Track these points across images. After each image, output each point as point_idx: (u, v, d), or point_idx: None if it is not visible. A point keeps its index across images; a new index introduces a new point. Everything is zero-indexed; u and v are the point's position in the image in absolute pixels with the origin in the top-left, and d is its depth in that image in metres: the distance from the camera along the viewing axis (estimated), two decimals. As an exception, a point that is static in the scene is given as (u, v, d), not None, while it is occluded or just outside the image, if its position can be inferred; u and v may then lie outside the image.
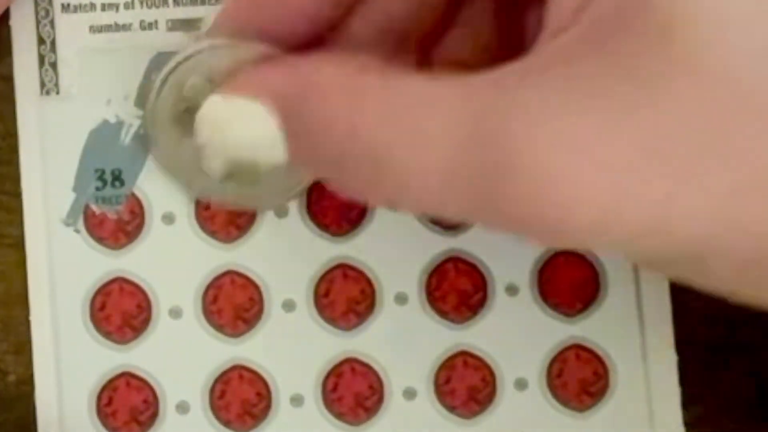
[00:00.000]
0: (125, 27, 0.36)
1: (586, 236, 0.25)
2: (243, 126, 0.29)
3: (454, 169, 0.26)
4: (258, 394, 0.35)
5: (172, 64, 0.32)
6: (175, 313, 0.35)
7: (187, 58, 0.32)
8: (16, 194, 0.35)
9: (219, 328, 0.35)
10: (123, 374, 0.35)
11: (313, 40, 0.31)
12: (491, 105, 0.25)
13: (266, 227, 0.35)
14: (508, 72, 0.26)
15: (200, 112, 0.30)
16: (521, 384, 0.36)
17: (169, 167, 0.35)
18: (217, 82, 0.31)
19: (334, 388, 0.36)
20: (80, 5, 0.35)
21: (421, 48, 0.32)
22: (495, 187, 0.25)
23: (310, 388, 0.35)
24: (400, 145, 0.26)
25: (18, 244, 0.35)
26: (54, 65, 0.35)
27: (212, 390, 0.35)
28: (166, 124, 0.33)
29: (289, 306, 0.35)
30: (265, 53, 0.30)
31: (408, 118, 0.26)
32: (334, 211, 0.36)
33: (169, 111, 0.33)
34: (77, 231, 0.35)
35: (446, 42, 0.32)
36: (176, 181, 0.35)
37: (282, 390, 0.35)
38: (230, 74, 0.30)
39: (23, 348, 0.35)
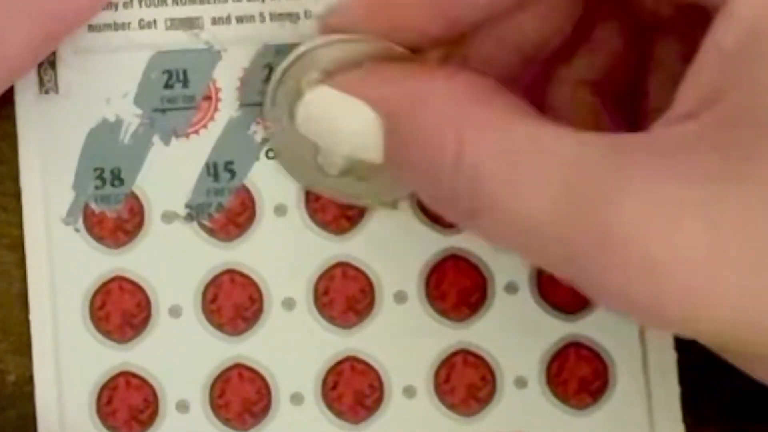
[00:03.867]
0: (124, 26, 0.36)
1: (678, 325, 0.26)
2: (346, 120, 0.30)
3: (549, 220, 0.26)
4: (258, 392, 0.35)
5: (291, 58, 0.33)
6: (175, 311, 0.35)
7: (305, 53, 0.33)
8: (16, 194, 0.35)
9: (219, 326, 0.36)
10: (123, 373, 0.35)
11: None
12: (602, 173, 0.26)
13: (266, 226, 0.35)
14: (625, 144, 0.26)
15: (306, 98, 0.31)
16: (521, 382, 0.36)
17: (286, 161, 0.35)
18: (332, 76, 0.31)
19: (334, 387, 0.36)
20: (79, 4, 0.35)
21: (543, 67, 0.33)
22: (589, 252, 0.26)
23: (310, 386, 0.35)
24: (502, 183, 0.27)
25: (17, 244, 0.35)
26: (53, 64, 0.35)
27: (212, 389, 0.35)
28: (283, 117, 0.33)
29: (288, 304, 0.35)
30: (387, 51, 0.31)
31: (517, 157, 0.27)
32: (334, 210, 0.36)
33: (286, 105, 0.33)
34: (77, 230, 0.35)
35: (571, 62, 0.33)
36: (292, 174, 0.35)
37: (282, 388, 0.35)
38: (345, 68, 0.31)
39: (23, 348, 0.35)
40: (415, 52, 0.31)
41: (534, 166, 0.27)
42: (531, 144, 0.27)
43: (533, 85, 0.33)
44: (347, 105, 0.30)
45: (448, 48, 0.32)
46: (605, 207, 0.25)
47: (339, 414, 0.36)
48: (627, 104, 0.33)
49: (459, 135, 0.28)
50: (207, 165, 0.36)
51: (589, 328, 0.36)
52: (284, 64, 0.33)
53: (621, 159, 0.26)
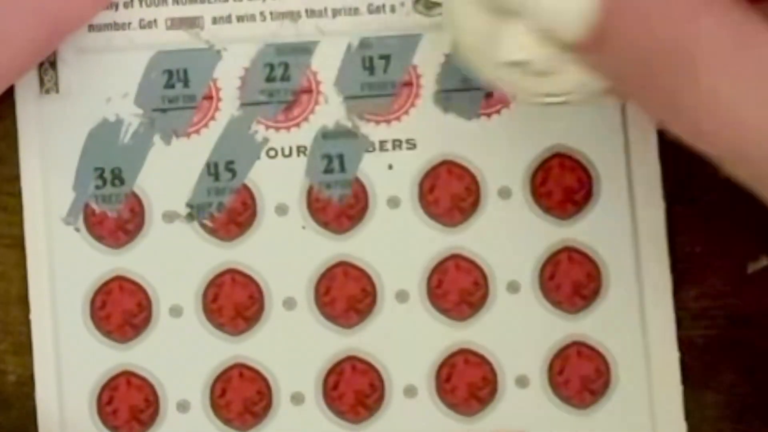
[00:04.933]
0: (125, 26, 0.36)
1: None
2: None
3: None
4: (258, 392, 0.35)
5: None
6: (176, 311, 0.35)
7: None
8: (16, 194, 0.35)
9: (219, 326, 0.35)
10: (123, 373, 0.35)
11: None
12: None
13: (266, 225, 0.35)
14: None
15: None
16: (523, 382, 0.35)
17: (468, 49, 0.30)
18: None
19: (335, 386, 0.35)
20: (79, 4, 0.35)
21: None
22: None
23: (311, 386, 0.35)
24: (731, 83, 0.26)
25: (18, 244, 0.35)
26: (53, 64, 0.35)
27: (213, 388, 0.35)
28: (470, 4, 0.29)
29: (289, 304, 0.35)
30: None
31: (755, 69, 0.26)
32: (334, 209, 0.36)
33: None
34: (77, 230, 0.35)
35: None
36: (473, 63, 0.30)
37: (282, 388, 0.35)
38: None
39: (23, 348, 0.35)
40: None
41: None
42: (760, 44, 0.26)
43: None
44: None
45: None
46: None
47: (340, 413, 0.36)
48: None
49: (695, 17, 0.26)
50: (208, 164, 0.36)
51: (591, 327, 0.35)
52: None
53: None
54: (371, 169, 0.36)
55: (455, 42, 0.30)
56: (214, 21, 0.36)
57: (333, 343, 0.35)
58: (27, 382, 0.35)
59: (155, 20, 0.36)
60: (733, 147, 0.26)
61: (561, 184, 0.36)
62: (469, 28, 0.29)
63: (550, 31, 0.27)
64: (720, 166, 0.27)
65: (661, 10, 0.27)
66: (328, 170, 0.36)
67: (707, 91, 0.26)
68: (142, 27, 0.36)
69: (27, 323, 0.35)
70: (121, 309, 0.35)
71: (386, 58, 0.36)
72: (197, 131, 0.36)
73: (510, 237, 0.36)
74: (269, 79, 0.36)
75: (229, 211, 0.36)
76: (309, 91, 0.36)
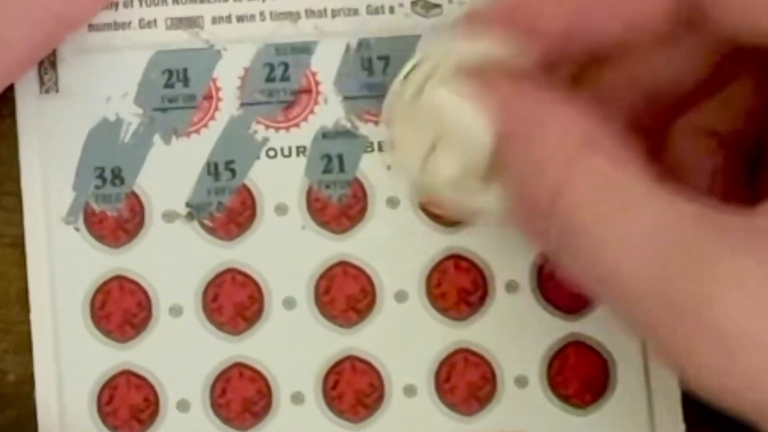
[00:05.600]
0: (124, 25, 0.36)
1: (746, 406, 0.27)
2: (463, 121, 0.30)
3: (633, 281, 0.27)
4: (258, 391, 0.35)
5: (416, 58, 0.32)
6: (176, 311, 0.35)
7: (430, 54, 0.32)
8: (16, 193, 0.35)
9: (219, 326, 0.36)
10: (123, 372, 0.35)
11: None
12: (698, 247, 0.26)
13: (266, 225, 0.36)
14: (732, 226, 0.26)
15: (428, 93, 0.30)
16: (522, 381, 0.36)
17: (401, 162, 0.33)
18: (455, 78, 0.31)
19: (335, 386, 0.36)
20: (80, 4, 0.35)
21: (668, 111, 0.32)
22: (670, 320, 0.26)
23: (311, 385, 0.35)
24: (594, 229, 0.27)
25: (18, 244, 0.35)
26: (53, 64, 0.35)
27: (213, 388, 0.35)
28: (405, 120, 0.32)
29: (289, 304, 0.35)
30: (517, 64, 0.30)
31: (613, 209, 0.27)
32: (334, 209, 0.36)
33: (408, 107, 0.32)
34: (77, 229, 0.35)
35: (698, 109, 0.33)
36: (404, 176, 0.33)
37: (282, 388, 0.35)
38: (471, 70, 0.30)
39: (23, 348, 0.35)
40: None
41: (628, 223, 0.27)
42: (630, 199, 0.27)
43: (651, 129, 0.33)
44: (466, 108, 0.30)
45: (577, 70, 0.32)
46: (695, 279, 0.26)
47: (339, 413, 0.36)
48: (747, 163, 0.33)
49: (569, 165, 0.28)
50: (208, 164, 0.36)
51: (589, 327, 0.36)
52: (413, 61, 0.32)
53: (719, 237, 0.26)
54: (370, 169, 0.36)
55: (397, 160, 0.34)
56: (214, 21, 0.36)
57: (332, 342, 0.35)
58: (27, 382, 0.35)
59: (155, 20, 0.36)
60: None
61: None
62: (409, 148, 0.32)
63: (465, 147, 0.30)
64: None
65: (538, 151, 0.28)
66: (327, 170, 0.36)
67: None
68: (142, 27, 0.36)
69: (27, 323, 0.35)
70: (121, 308, 0.35)
71: (385, 58, 0.36)
72: (197, 131, 0.36)
73: (508, 237, 0.36)
74: (269, 79, 0.36)
75: (229, 211, 0.36)
76: (308, 91, 0.36)
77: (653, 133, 0.32)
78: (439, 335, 0.36)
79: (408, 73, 0.32)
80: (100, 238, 0.35)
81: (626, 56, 0.31)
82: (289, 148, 0.36)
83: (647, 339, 0.28)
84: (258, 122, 0.36)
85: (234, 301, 0.36)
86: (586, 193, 0.27)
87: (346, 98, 0.36)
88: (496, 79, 0.30)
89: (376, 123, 0.36)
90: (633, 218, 0.27)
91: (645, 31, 0.30)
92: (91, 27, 0.35)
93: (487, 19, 0.31)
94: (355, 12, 0.36)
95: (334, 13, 0.36)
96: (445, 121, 0.30)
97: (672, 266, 0.26)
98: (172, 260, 0.35)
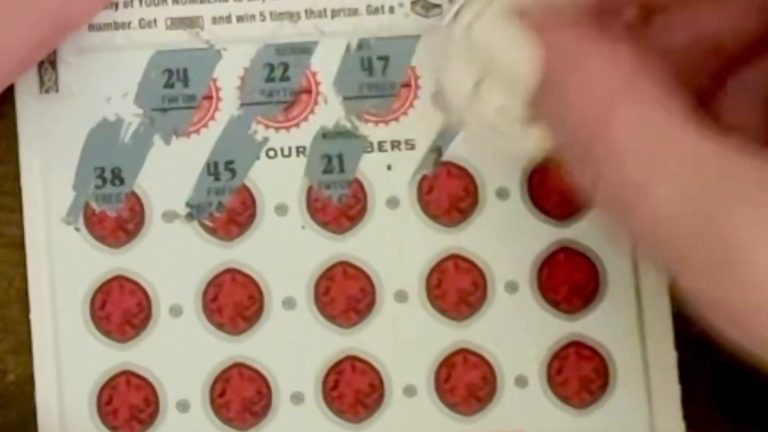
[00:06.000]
0: (124, 25, 0.36)
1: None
2: (510, 51, 0.30)
3: (669, 212, 0.26)
4: (258, 392, 0.35)
5: None
6: (176, 311, 0.35)
7: None
8: (16, 193, 0.35)
9: (219, 326, 0.36)
10: (123, 372, 0.35)
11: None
12: (738, 178, 0.26)
13: (266, 225, 0.36)
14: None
15: (481, 21, 0.31)
16: (521, 381, 0.36)
17: (449, 96, 0.33)
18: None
19: (335, 386, 0.36)
20: (80, 4, 0.35)
21: (723, 67, 0.32)
22: (702, 255, 0.26)
23: (311, 385, 0.35)
24: (637, 162, 0.27)
25: (18, 244, 0.35)
26: (53, 64, 0.35)
27: (213, 388, 0.35)
28: (454, 57, 0.32)
29: (289, 304, 0.35)
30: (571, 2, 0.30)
31: (658, 144, 0.27)
32: (334, 209, 0.36)
33: (458, 44, 0.32)
34: (77, 229, 0.35)
35: (751, 67, 0.32)
36: (450, 105, 0.33)
37: (282, 388, 0.35)
38: (521, 11, 0.31)
39: (23, 348, 0.35)
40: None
41: (669, 150, 0.27)
42: (672, 132, 0.27)
43: (703, 84, 0.33)
44: (514, 44, 0.30)
45: (634, 19, 0.32)
46: (732, 203, 0.26)
47: (339, 413, 0.36)
48: None
49: (607, 105, 0.28)
50: (208, 164, 0.36)
51: (589, 327, 0.36)
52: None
53: (758, 166, 0.26)
54: (370, 169, 0.36)
55: (445, 96, 0.33)
56: (214, 21, 0.36)
57: (333, 342, 0.35)
58: (27, 382, 0.35)
59: (155, 20, 0.36)
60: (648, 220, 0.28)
61: (559, 185, 0.36)
62: (458, 83, 0.32)
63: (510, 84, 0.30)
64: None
65: (579, 88, 0.29)
66: (327, 170, 0.36)
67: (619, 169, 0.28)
68: (142, 27, 0.36)
69: (27, 323, 0.35)
70: (121, 309, 0.35)
71: (385, 59, 0.36)
72: (197, 131, 0.36)
73: (508, 237, 0.36)
74: (269, 79, 0.36)
75: (229, 211, 0.36)
76: (308, 91, 0.36)
77: (704, 87, 0.32)
78: (439, 335, 0.36)
79: (457, 12, 0.32)
80: (100, 238, 0.36)
81: (684, 6, 0.31)
82: (289, 148, 0.36)
83: (673, 269, 0.27)
84: (258, 122, 0.36)
85: (234, 301, 0.36)
86: (628, 127, 0.27)
87: (346, 98, 0.36)
88: (545, 20, 0.30)
89: (376, 123, 0.36)
90: (674, 147, 0.27)
91: None
92: (91, 27, 0.35)
93: None
94: (355, 12, 0.36)
95: (334, 13, 0.36)
96: (493, 57, 0.30)
97: (709, 192, 0.26)
98: (172, 260, 0.35)
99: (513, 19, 0.30)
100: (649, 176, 0.27)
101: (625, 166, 0.27)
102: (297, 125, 0.36)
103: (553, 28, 0.30)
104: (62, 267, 0.35)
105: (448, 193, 0.36)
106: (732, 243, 0.26)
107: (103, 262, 0.35)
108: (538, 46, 0.29)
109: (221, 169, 0.36)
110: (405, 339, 0.36)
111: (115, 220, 0.36)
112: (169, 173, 0.35)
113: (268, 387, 0.35)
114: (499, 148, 0.33)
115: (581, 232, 0.36)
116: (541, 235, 0.36)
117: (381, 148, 0.36)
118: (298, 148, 0.36)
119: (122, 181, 0.35)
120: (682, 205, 0.26)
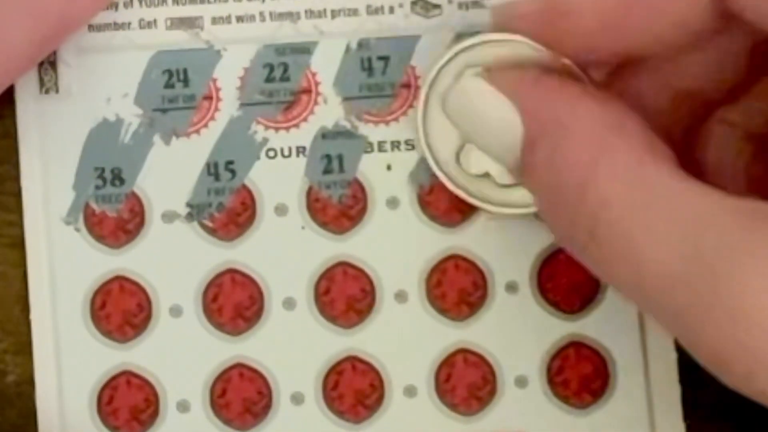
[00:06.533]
0: (124, 26, 0.36)
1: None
2: (493, 116, 0.30)
3: (667, 271, 0.26)
4: (259, 392, 0.35)
5: (456, 49, 0.33)
6: (176, 311, 0.35)
7: (466, 48, 0.33)
8: (16, 193, 0.35)
9: (219, 326, 0.36)
10: (123, 373, 0.35)
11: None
12: (726, 238, 0.26)
13: (266, 225, 0.36)
14: (760, 210, 0.26)
15: (462, 85, 0.32)
16: (521, 381, 0.36)
17: (433, 151, 0.34)
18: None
19: (335, 386, 0.36)
20: (79, 4, 0.35)
21: (700, 112, 0.32)
22: (702, 313, 0.26)
23: (311, 386, 0.35)
24: (626, 221, 0.27)
25: (18, 244, 0.35)
26: (53, 64, 0.35)
27: (213, 388, 0.35)
28: (437, 111, 0.33)
29: (289, 304, 0.36)
30: (551, 59, 0.31)
31: (647, 202, 0.27)
32: (334, 209, 0.36)
33: (440, 95, 0.33)
34: (77, 230, 0.35)
35: (728, 108, 0.32)
36: (434, 166, 0.34)
37: (282, 388, 0.35)
38: (505, 66, 0.31)
39: (23, 348, 0.35)
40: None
41: (662, 215, 0.27)
42: (660, 190, 0.27)
43: (682, 129, 0.33)
44: (498, 102, 0.30)
45: (608, 76, 0.32)
46: (732, 270, 0.25)
47: (340, 413, 0.36)
48: None
49: (594, 163, 0.28)
50: (208, 164, 0.36)
51: (589, 327, 0.36)
52: (448, 55, 0.33)
53: (755, 225, 0.26)
54: (370, 169, 0.36)
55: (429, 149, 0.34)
56: (214, 21, 0.36)
57: (333, 343, 0.36)
58: (27, 382, 0.35)
59: (155, 20, 0.36)
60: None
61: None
62: (442, 139, 0.34)
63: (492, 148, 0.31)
64: None
65: (562, 152, 0.29)
66: (327, 170, 0.36)
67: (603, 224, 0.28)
68: (142, 27, 0.36)
69: (27, 323, 0.35)
70: (121, 309, 0.35)
71: (385, 59, 0.36)
72: (197, 131, 0.36)
73: (509, 237, 0.36)
74: (269, 79, 0.36)
75: (229, 211, 0.36)
76: (308, 91, 0.36)
77: (684, 133, 0.32)
78: (439, 335, 0.36)
79: (442, 66, 0.33)
80: (100, 238, 0.36)
81: (658, 60, 0.31)
82: (289, 149, 0.36)
83: (675, 331, 0.27)
84: (258, 122, 0.36)
85: (234, 302, 0.36)
86: (614, 187, 0.27)
87: (345, 98, 0.36)
88: (523, 76, 0.30)
89: (376, 123, 0.36)
90: (663, 208, 0.27)
91: (681, 29, 0.30)
92: (91, 27, 0.35)
93: (521, 14, 0.31)
94: (355, 12, 0.36)
95: (334, 14, 0.36)
96: (473, 122, 0.31)
97: (705, 252, 0.26)
98: (172, 261, 0.35)
99: (487, 82, 0.31)
100: (644, 238, 0.27)
101: (614, 228, 0.27)
102: (297, 125, 0.36)
103: (533, 85, 0.30)
104: (62, 267, 0.35)
105: (448, 193, 0.36)
106: (737, 304, 0.25)
107: (103, 262, 0.35)
108: (519, 109, 0.30)
109: (221, 169, 0.36)
110: (405, 339, 0.36)
111: (115, 220, 0.36)
112: (169, 173, 0.35)
113: (269, 387, 0.35)
114: (488, 200, 0.34)
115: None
116: (541, 236, 0.36)
117: (381, 148, 0.36)
118: (298, 148, 0.36)
119: (122, 182, 0.35)
120: (683, 267, 0.26)
